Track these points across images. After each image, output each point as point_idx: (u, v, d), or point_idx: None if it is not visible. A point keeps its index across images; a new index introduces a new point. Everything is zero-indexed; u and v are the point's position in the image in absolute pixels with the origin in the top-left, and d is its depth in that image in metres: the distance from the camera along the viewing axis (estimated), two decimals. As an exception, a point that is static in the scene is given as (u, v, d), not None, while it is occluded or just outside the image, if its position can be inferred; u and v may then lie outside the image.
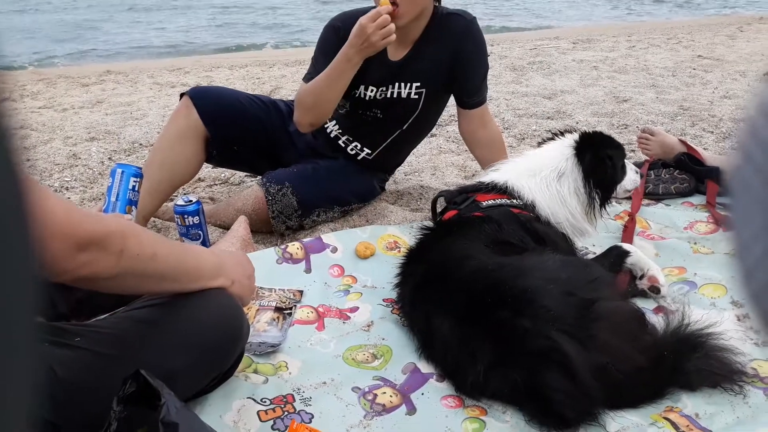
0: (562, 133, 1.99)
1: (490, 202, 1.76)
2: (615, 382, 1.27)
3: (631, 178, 1.97)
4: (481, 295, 1.39)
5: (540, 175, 1.84)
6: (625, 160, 1.96)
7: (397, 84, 2.20)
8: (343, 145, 2.37)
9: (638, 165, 2.54)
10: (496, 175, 1.88)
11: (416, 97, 2.21)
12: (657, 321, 1.48)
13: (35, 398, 0.29)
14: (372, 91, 2.22)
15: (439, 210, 1.94)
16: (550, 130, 2.11)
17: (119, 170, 1.65)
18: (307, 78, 2.20)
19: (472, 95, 2.23)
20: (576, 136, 1.91)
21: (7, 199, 0.27)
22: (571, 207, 1.82)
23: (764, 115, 0.35)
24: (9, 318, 0.27)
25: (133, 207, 1.63)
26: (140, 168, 1.69)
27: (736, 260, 0.37)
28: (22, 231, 0.28)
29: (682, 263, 1.90)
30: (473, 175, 2.73)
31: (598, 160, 1.84)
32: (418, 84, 2.19)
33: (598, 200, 1.85)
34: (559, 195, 1.82)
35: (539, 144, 2.08)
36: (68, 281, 0.97)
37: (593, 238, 2.05)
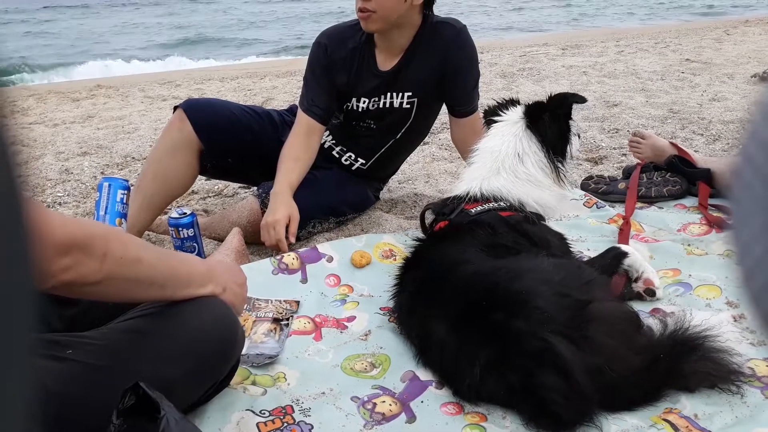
0: (505, 105, 2.00)
1: (478, 209, 1.77)
2: (610, 383, 1.27)
3: (574, 141, 1.99)
4: (477, 298, 1.40)
5: (504, 168, 1.84)
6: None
7: (388, 94, 2.21)
8: (337, 156, 2.38)
9: (630, 169, 2.56)
10: (465, 186, 1.87)
11: (408, 106, 2.22)
12: (654, 323, 1.48)
13: (30, 409, 0.29)
14: (364, 102, 2.23)
15: (427, 222, 1.94)
16: (494, 99, 2.11)
17: (106, 184, 1.65)
18: (302, 102, 2.22)
19: (464, 104, 2.24)
20: (520, 110, 1.93)
21: (6, 209, 0.27)
22: (543, 181, 1.85)
23: (764, 116, 0.35)
24: (6, 328, 0.27)
25: (123, 219, 1.63)
26: (127, 180, 1.69)
27: (735, 261, 0.37)
28: (21, 240, 0.28)
29: (676, 265, 1.90)
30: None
31: (555, 119, 1.87)
32: (410, 93, 2.20)
33: (561, 165, 1.89)
34: (528, 176, 1.83)
35: (485, 115, 2.06)
36: (53, 288, 0.95)
37: (588, 242, 2.06)
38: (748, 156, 0.35)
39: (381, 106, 2.22)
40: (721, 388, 1.34)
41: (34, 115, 4.50)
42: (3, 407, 0.27)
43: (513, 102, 2.01)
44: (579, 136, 2.05)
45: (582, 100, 1.92)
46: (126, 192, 1.66)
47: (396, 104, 2.22)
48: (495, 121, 1.97)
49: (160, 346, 1.15)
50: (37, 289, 0.28)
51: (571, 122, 1.95)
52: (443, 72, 2.17)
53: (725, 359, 1.35)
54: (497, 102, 2.04)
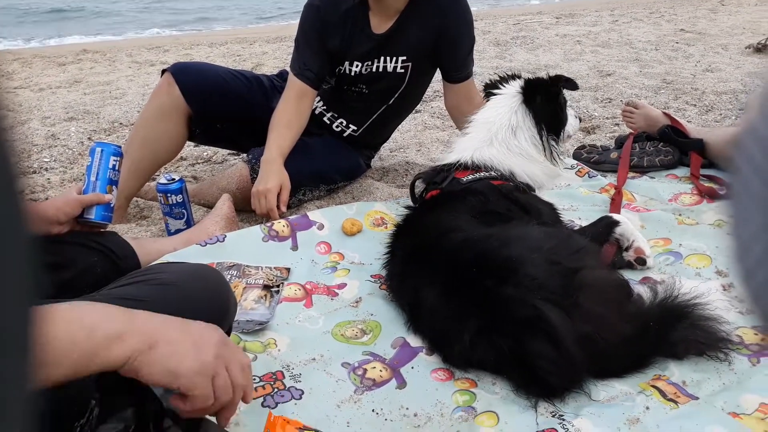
0: (506, 78, 2.02)
1: (470, 177, 1.76)
2: (600, 350, 1.28)
3: (573, 123, 2.02)
4: (467, 265, 1.39)
5: (497, 140, 1.85)
6: (567, 107, 2.01)
7: (382, 58, 2.17)
8: (328, 122, 2.35)
9: (622, 138, 2.55)
10: (456, 155, 1.86)
11: (402, 71, 2.19)
12: (644, 291, 1.49)
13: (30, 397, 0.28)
14: (357, 66, 2.19)
15: (417, 192, 1.93)
16: (496, 73, 2.12)
17: (98, 149, 1.60)
18: (293, 66, 2.17)
19: (459, 69, 2.21)
20: (519, 84, 1.94)
21: None
22: (536, 157, 1.86)
23: (764, 114, 0.34)
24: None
25: (114, 186, 1.60)
26: (120, 146, 1.65)
27: (735, 260, 0.37)
28: (14, 212, 0.27)
29: (667, 234, 1.91)
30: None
31: (549, 98, 1.89)
32: (404, 57, 2.16)
33: (554, 143, 1.91)
34: (521, 150, 1.85)
35: (485, 88, 2.08)
36: None
37: (580, 211, 2.06)
38: (747, 155, 0.35)
39: (374, 70, 2.18)
40: (709, 355, 1.35)
41: (19, 79, 4.41)
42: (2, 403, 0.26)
43: (515, 77, 2.02)
44: (581, 119, 2.05)
45: (573, 87, 1.95)
46: (118, 158, 1.62)
47: (389, 68, 2.18)
48: (493, 94, 1.97)
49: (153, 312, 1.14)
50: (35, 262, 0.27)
51: (563, 102, 1.95)
52: (438, 36, 2.13)
53: (714, 327, 1.36)
54: (499, 76, 2.04)
